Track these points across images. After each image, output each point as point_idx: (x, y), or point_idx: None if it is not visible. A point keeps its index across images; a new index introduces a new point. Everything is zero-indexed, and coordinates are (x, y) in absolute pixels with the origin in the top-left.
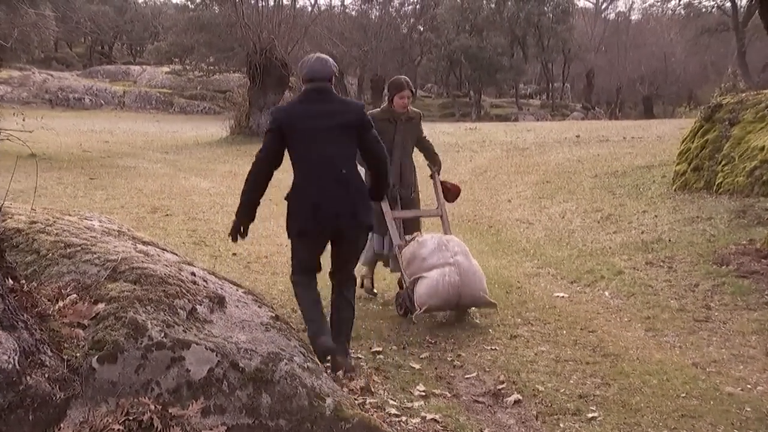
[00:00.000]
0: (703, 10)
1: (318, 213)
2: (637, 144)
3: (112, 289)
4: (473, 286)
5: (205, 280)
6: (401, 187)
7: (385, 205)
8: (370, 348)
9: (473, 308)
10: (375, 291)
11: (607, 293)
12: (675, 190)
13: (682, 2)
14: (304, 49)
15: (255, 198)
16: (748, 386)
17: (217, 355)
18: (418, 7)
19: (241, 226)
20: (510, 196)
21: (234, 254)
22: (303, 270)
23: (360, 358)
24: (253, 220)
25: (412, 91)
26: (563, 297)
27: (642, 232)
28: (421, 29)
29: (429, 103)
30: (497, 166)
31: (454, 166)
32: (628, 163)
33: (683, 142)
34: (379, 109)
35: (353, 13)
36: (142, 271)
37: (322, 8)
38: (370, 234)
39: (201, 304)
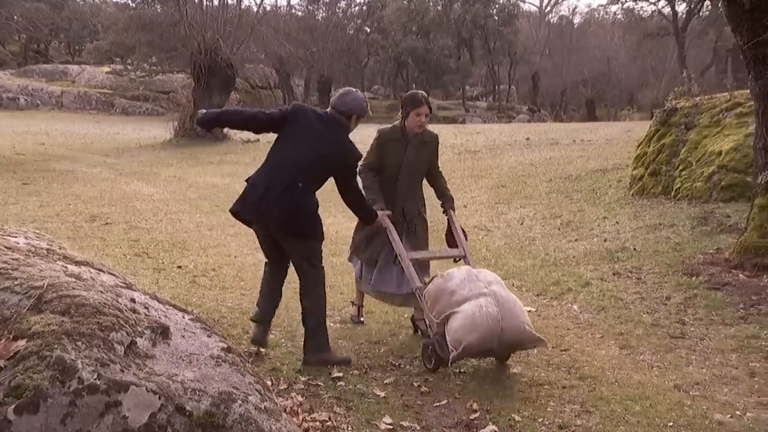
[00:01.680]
0: (644, 15)
1: (249, 203)
2: (588, 147)
3: (36, 323)
4: (515, 319)
5: (146, 307)
6: (403, 221)
7: (398, 246)
8: (330, 373)
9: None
10: (362, 319)
11: (575, 307)
12: (633, 195)
13: (624, 7)
14: (250, 50)
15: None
16: (737, 412)
17: (159, 398)
18: (364, 8)
19: None
20: (465, 202)
21: (179, 267)
22: (265, 256)
23: (319, 386)
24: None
25: (430, 109)
26: (531, 311)
27: (605, 240)
28: (368, 30)
29: (376, 105)
30: (450, 169)
31: None
32: (582, 167)
33: (639, 146)
34: (389, 126)
35: (299, 13)
36: (73, 300)
37: (268, 8)
38: (358, 262)
39: (142, 336)
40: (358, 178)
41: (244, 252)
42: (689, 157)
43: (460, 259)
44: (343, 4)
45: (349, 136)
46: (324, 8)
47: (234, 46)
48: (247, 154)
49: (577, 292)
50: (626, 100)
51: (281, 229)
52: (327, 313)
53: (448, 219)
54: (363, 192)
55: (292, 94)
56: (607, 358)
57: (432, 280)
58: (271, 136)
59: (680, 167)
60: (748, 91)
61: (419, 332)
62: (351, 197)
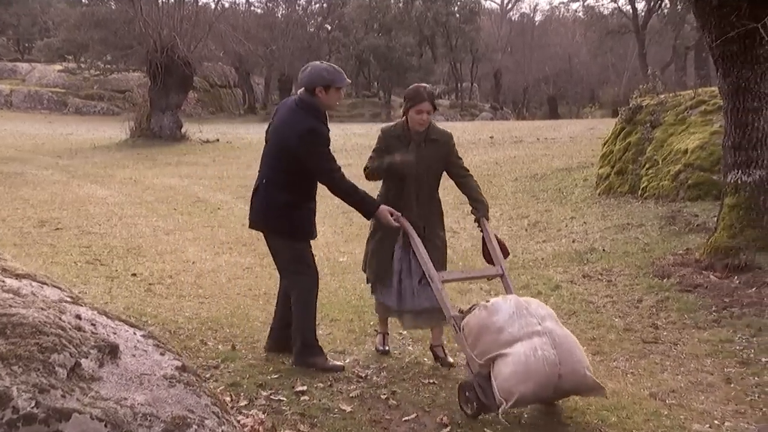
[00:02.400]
0: (605, 12)
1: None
2: (552, 145)
3: None
4: (576, 364)
5: (93, 324)
6: (425, 229)
7: (427, 266)
8: (293, 387)
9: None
10: (387, 347)
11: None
12: (599, 194)
13: (585, 4)
14: (208, 48)
15: None
16: (716, 422)
17: (106, 426)
18: (325, 5)
19: None
20: None
21: (134, 275)
22: None
23: (282, 401)
24: None
25: (433, 105)
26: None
27: (573, 241)
28: (329, 28)
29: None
30: None
31: None
32: (547, 166)
33: (605, 144)
34: (392, 123)
35: (259, 10)
36: (9, 319)
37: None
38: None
39: (87, 357)
40: (366, 176)
41: (203, 257)
42: (655, 156)
43: (493, 278)
44: (303, 1)
45: (323, 112)
46: (284, 5)
47: (191, 44)
48: (206, 154)
49: (547, 295)
50: (588, 97)
51: (259, 228)
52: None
53: (481, 230)
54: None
55: (252, 92)
56: None
57: (471, 309)
58: (230, 136)
59: (646, 166)
60: (712, 88)
61: (439, 362)
62: (327, 184)
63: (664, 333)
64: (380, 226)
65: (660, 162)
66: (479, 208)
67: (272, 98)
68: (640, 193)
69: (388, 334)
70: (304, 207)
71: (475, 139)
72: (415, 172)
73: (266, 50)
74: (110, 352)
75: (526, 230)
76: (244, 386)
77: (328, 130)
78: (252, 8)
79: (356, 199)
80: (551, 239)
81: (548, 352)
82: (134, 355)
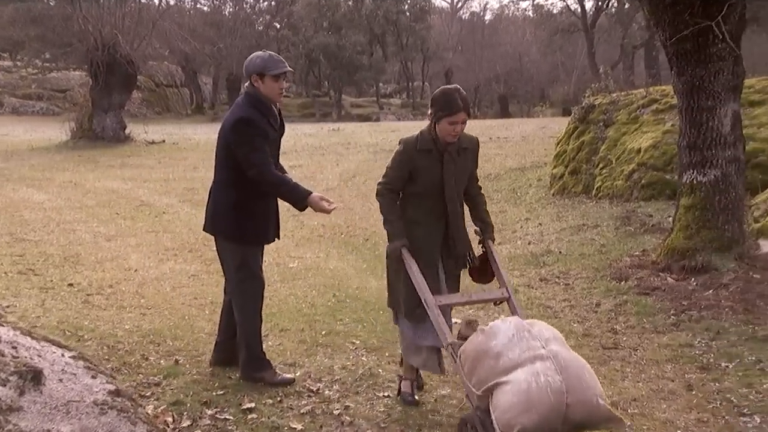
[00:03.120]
0: (554, 11)
1: None
2: (504, 144)
3: None
4: (585, 391)
5: (14, 347)
6: (449, 257)
7: (424, 291)
8: (240, 404)
9: None
10: (416, 398)
11: (502, 317)
12: (554, 194)
13: (534, 3)
14: (152, 46)
15: None
16: (679, 431)
17: None
18: (273, 3)
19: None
20: None
21: (70, 285)
22: None
23: (228, 420)
24: None
25: (468, 113)
26: (456, 323)
27: (529, 243)
28: (278, 26)
29: (288, 103)
30: (366, 170)
31: (320, 171)
32: (500, 165)
33: (558, 144)
34: (415, 135)
35: (205, 8)
36: None
37: (171, 2)
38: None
39: (5, 385)
40: (379, 203)
41: (147, 265)
42: (609, 155)
43: (500, 303)
44: None
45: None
46: (231, 3)
47: (134, 42)
48: (152, 156)
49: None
50: (538, 96)
51: (207, 230)
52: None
53: (485, 250)
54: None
55: (200, 92)
56: None
57: (468, 329)
58: (176, 137)
59: (600, 165)
60: (663, 87)
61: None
62: (254, 177)
63: (624, 338)
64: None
65: (614, 161)
66: (486, 230)
67: (220, 98)
68: (594, 193)
69: (416, 380)
70: (253, 207)
71: None
72: (455, 190)
73: (213, 49)
74: (33, 378)
75: None
76: (188, 405)
77: (277, 123)
78: (198, 6)
79: (286, 189)
80: (507, 241)
81: (553, 378)
82: (61, 380)
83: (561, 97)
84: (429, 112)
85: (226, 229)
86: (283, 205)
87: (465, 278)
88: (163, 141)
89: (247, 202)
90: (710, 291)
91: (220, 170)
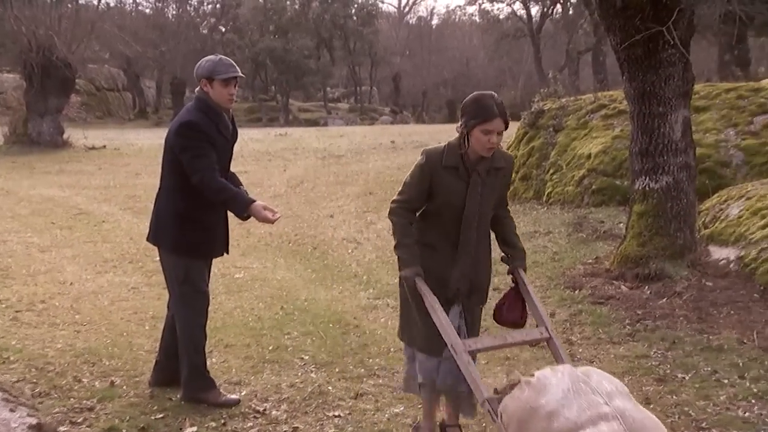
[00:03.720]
0: (501, 16)
1: None
2: None
3: None
4: None
5: None
6: (469, 293)
7: (448, 333)
8: (181, 429)
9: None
10: None
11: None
12: None
13: (481, 8)
14: (91, 49)
15: None
16: None
17: None
18: (218, 6)
19: None
20: (332, 211)
21: None
22: None
23: None
24: None
25: (506, 122)
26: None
27: None
28: (223, 30)
29: (235, 108)
30: (314, 176)
31: (267, 177)
32: None
33: (508, 149)
34: (440, 147)
35: (147, 11)
36: None
37: (111, 4)
38: (410, 351)
39: None
40: (391, 223)
41: (83, 277)
42: (559, 161)
43: (536, 344)
44: (194, 1)
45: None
46: (174, 6)
47: (72, 45)
48: (92, 162)
49: None
50: None
51: (150, 241)
52: None
53: (515, 282)
54: None
55: (142, 96)
56: (493, 387)
57: (510, 386)
58: (118, 142)
59: (551, 171)
60: (611, 92)
61: None
62: (197, 183)
63: (580, 349)
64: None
65: (564, 167)
66: (516, 256)
67: (164, 102)
68: (545, 198)
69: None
70: (199, 217)
71: (376, 143)
72: (478, 215)
73: (156, 52)
74: None
75: None
76: (123, 431)
77: (228, 130)
78: (140, 8)
79: (227, 197)
80: None
81: None
82: None
83: (508, 102)
84: (458, 124)
85: (169, 240)
86: (233, 217)
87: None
88: (104, 146)
89: (193, 212)
90: (664, 299)
91: (165, 177)
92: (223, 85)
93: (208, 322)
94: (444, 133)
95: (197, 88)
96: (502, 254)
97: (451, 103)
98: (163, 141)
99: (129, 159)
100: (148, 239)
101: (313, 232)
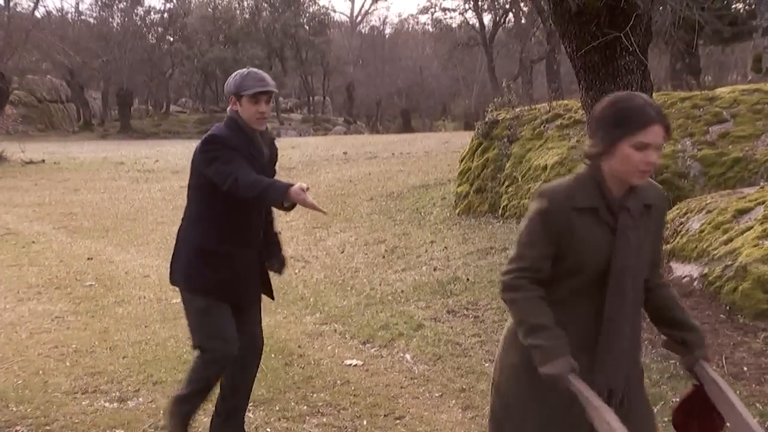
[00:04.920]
0: (454, 25)
1: None
2: (407, 161)
3: None
4: None
5: None
6: (626, 394)
7: None
8: None
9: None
10: None
11: (408, 356)
12: (459, 214)
13: (433, 17)
14: (28, 59)
15: None
16: None
17: None
18: (165, 15)
19: None
20: (279, 227)
21: None
22: None
23: None
24: None
25: (669, 130)
26: (357, 365)
27: (435, 269)
28: (171, 39)
29: (184, 119)
30: None
31: None
32: (403, 183)
33: (462, 160)
34: (569, 181)
35: (91, 20)
36: None
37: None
38: None
39: None
40: (510, 303)
41: (2, 306)
42: (514, 173)
43: None
44: (140, 10)
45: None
46: (120, 15)
47: (6, 54)
48: (28, 177)
49: (409, 337)
50: (440, 110)
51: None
52: None
53: (698, 380)
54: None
55: (87, 108)
56: (450, 424)
57: None
58: (59, 156)
59: (506, 183)
60: (566, 102)
61: None
62: (230, 189)
63: None
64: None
65: (519, 179)
66: (696, 343)
67: (111, 113)
68: (501, 212)
69: None
70: (216, 250)
71: (328, 155)
72: (632, 278)
73: (100, 62)
74: None
75: (384, 257)
76: None
77: (261, 154)
78: (83, 17)
79: (262, 187)
80: (411, 267)
81: None
82: None
83: (462, 111)
84: (589, 144)
85: (180, 274)
86: (172, 231)
87: None
88: (43, 161)
89: (209, 244)
90: None
91: (188, 206)
92: (252, 102)
93: (138, 353)
94: (397, 144)
95: (229, 107)
96: (666, 338)
97: (406, 113)
98: (107, 154)
99: (69, 174)
100: (170, 281)
101: None
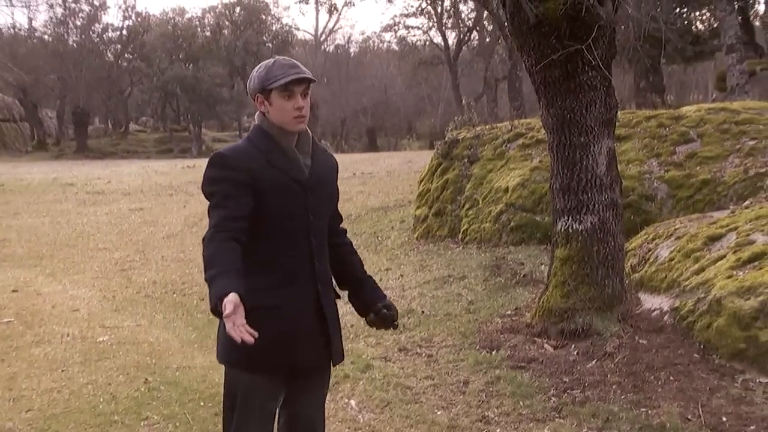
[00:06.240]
0: (418, 44)
1: None
2: (369, 181)
3: None
4: None
5: None
6: None
7: None
8: None
9: None
10: None
11: (353, 402)
12: (417, 238)
13: (397, 35)
14: None
15: None
16: None
17: None
18: (124, 32)
19: None
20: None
21: None
22: None
23: None
24: None
25: None
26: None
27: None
28: (130, 57)
29: (144, 138)
30: None
31: (164, 215)
32: (362, 205)
33: (421, 182)
34: None
35: (46, 37)
36: None
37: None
38: None
39: None
40: None
41: None
42: (475, 194)
43: None
44: (98, 27)
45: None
46: (76, 32)
47: None
48: None
49: (355, 380)
50: (406, 128)
51: None
52: None
53: None
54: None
55: (42, 127)
56: None
57: None
58: (5, 177)
59: (466, 206)
60: (528, 120)
61: None
62: None
63: (498, 429)
64: None
65: (480, 201)
66: None
67: (67, 132)
68: (461, 236)
69: None
70: (250, 300)
71: None
72: None
73: (56, 80)
74: None
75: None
76: None
77: (298, 166)
78: (37, 34)
79: (209, 272)
80: None
81: None
82: None
83: (428, 130)
84: None
85: (222, 349)
86: (111, 257)
87: None
88: (2, 185)
89: (251, 298)
90: (593, 362)
91: None
92: (284, 96)
93: (46, 405)
94: (360, 163)
95: (257, 113)
96: None
97: (371, 132)
98: (58, 174)
99: (12, 196)
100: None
101: (202, 279)
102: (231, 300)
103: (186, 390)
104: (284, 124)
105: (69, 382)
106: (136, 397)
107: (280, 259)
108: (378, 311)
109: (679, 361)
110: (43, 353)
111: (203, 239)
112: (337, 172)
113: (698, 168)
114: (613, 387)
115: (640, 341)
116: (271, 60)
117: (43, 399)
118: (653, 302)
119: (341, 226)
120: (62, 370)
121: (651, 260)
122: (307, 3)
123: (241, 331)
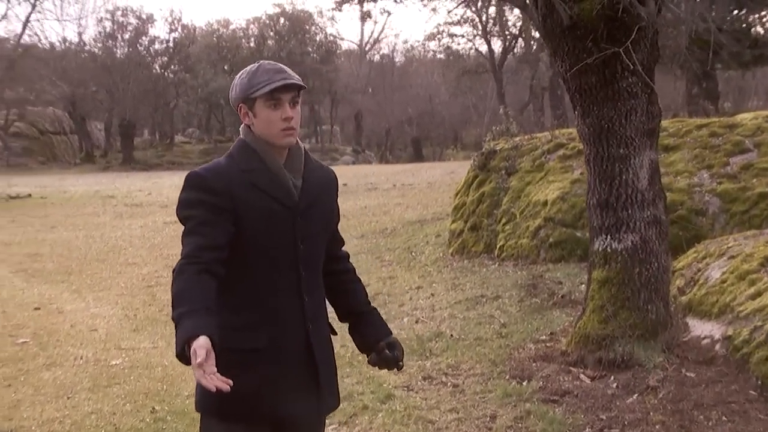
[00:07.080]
0: (463, 52)
1: None
2: (408, 192)
3: None
4: None
5: None
6: None
7: None
8: None
9: None
10: None
11: None
12: (452, 254)
13: (441, 43)
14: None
15: None
16: None
17: None
18: (170, 45)
19: None
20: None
21: None
22: None
23: None
24: None
25: None
26: None
27: (417, 321)
28: (176, 69)
29: (189, 150)
30: None
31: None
32: (399, 218)
33: (457, 194)
34: None
35: (96, 50)
36: None
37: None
38: None
39: None
40: None
41: None
42: (512, 208)
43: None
44: (145, 40)
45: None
46: (124, 45)
47: None
48: (7, 213)
49: (375, 411)
50: (451, 138)
51: None
52: None
53: None
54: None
55: (89, 139)
56: None
57: None
58: (50, 190)
59: (503, 220)
60: (570, 130)
61: None
62: None
63: None
64: None
65: (518, 216)
66: None
67: (114, 144)
68: (497, 252)
69: None
70: (227, 342)
71: None
72: None
73: (104, 93)
74: None
75: None
76: None
77: (286, 187)
78: (86, 48)
79: (177, 310)
80: (391, 318)
81: None
82: None
83: (473, 140)
84: None
85: (197, 395)
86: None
87: None
88: (29, 195)
89: (229, 338)
90: (635, 396)
91: None
92: (271, 105)
93: None
94: (402, 174)
95: (241, 126)
96: None
97: (417, 142)
98: (101, 187)
99: (52, 209)
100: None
101: None
102: (201, 345)
103: (194, 421)
104: (271, 138)
105: (72, 411)
106: (140, 428)
107: (262, 294)
108: (380, 351)
109: (733, 398)
110: (52, 378)
111: (173, 271)
112: (337, 188)
113: (755, 180)
114: (657, 426)
115: (688, 374)
116: (255, 65)
117: (42, 430)
118: (703, 329)
119: (343, 250)
120: (68, 397)
121: (700, 282)
122: (340, 10)
123: (213, 379)
